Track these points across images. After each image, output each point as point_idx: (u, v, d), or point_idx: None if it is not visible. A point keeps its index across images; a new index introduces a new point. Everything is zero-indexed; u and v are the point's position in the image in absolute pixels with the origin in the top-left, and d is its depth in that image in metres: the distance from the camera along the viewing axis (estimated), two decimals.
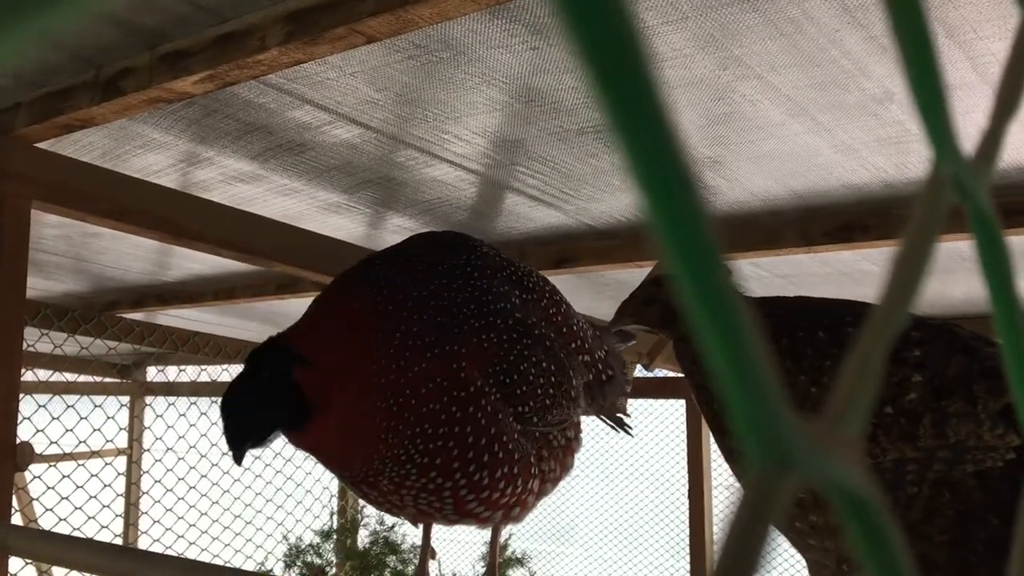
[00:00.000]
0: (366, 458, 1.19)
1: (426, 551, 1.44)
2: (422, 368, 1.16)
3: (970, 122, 1.61)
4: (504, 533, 5.24)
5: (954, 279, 2.82)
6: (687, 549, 3.73)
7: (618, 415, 1.55)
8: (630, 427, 1.58)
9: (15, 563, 3.06)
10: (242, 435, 1.16)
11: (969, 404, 1.03)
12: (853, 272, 2.86)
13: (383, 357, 1.16)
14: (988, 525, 1.00)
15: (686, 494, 3.69)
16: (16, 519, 3.42)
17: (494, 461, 1.19)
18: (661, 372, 3.48)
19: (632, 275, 2.77)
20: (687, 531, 3.67)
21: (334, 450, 1.23)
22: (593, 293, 3.38)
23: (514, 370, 1.21)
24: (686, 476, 3.70)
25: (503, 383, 1.20)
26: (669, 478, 5.08)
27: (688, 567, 3.86)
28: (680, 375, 3.86)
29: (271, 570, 4.73)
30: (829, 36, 1.40)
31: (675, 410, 4.27)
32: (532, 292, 1.32)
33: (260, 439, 1.19)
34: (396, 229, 2.55)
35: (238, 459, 1.17)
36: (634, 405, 2.96)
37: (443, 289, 1.22)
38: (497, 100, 1.66)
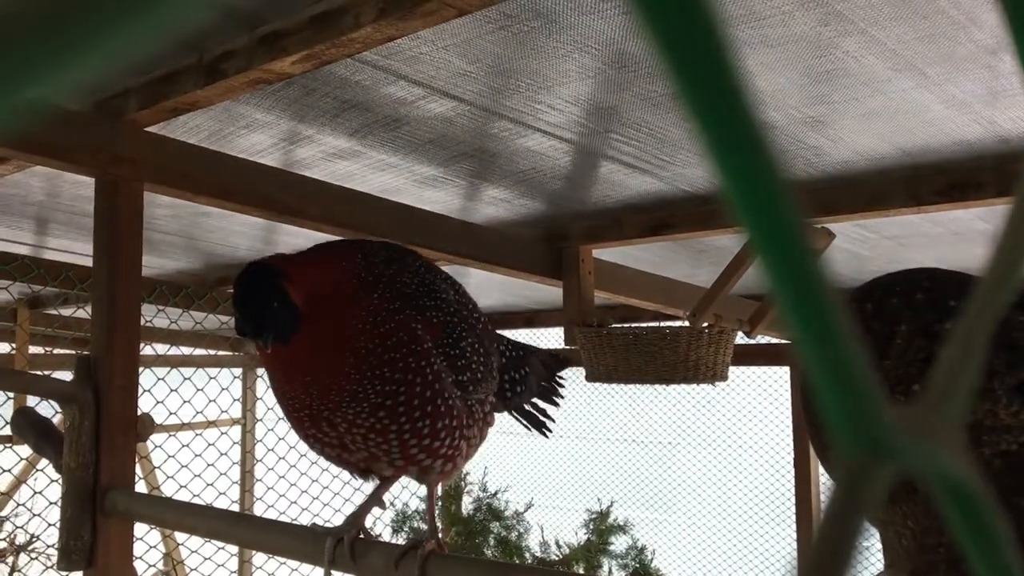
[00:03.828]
0: (327, 389, 1.40)
1: (373, 503, 1.58)
2: (391, 325, 1.41)
3: None
4: (605, 501, 5.27)
5: None
6: (793, 518, 3.67)
7: (540, 419, 1.84)
8: (549, 430, 1.85)
9: (140, 528, 3.22)
10: (262, 326, 1.37)
11: (988, 379, 0.95)
12: (967, 232, 2.74)
13: (363, 309, 1.40)
14: (1015, 508, 0.93)
15: (791, 462, 3.63)
16: (140, 487, 3.60)
17: (436, 413, 1.43)
18: (764, 339, 3.41)
19: (732, 242, 2.72)
20: (793, 499, 3.61)
21: (302, 373, 1.43)
22: (691, 260, 3.33)
23: (456, 345, 1.49)
24: (791, 443, 3.64)
25: (448, 353, 1.47)
26: (774, 446, 5.00)
27: (795, 536, 3.80)
28: (784, 341, 3.78)
29: (379, 535, 4.87)
30: None
31: (779, 377, 4.18)
32: (461, 296, 1.59)
33: (273, 332, 1.38)
34: (491, 200, 2.56)
35: (266, 343, 1.36)
36: (736, 372, 2.91)
37: (400, 274, 1.49)
38: (589, 67, 1.65)
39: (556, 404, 1.87)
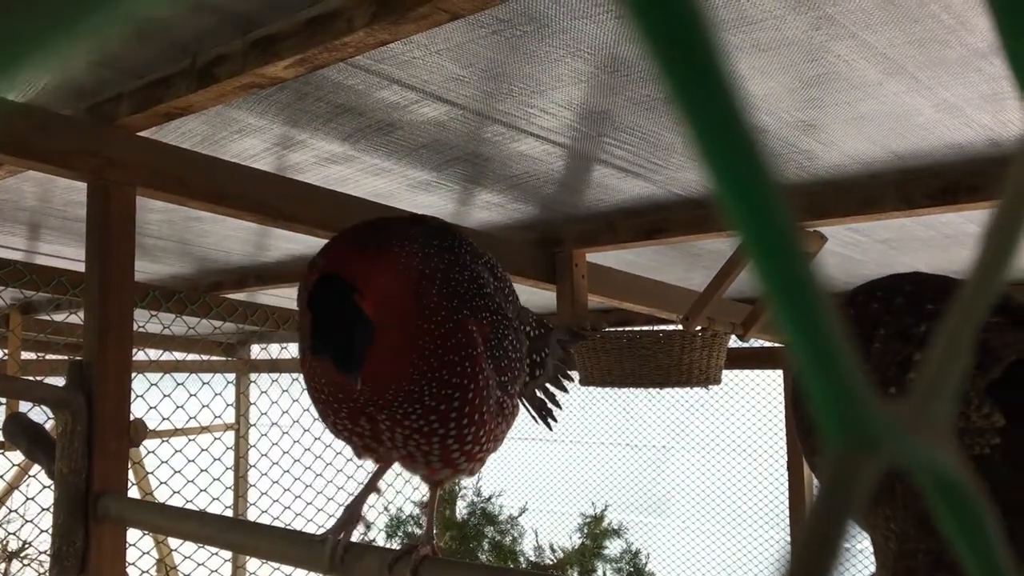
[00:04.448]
0: (382, 388, 1.33)
1: (368, 492, 1.57)
2: (451, 325, 1.35)
3: None
4: (599, 505, 5.27)
5: None
6: (787, 521, 3.68)
7: (548, 406, 1.74)
8: (554, 419, 1.75)
9: (133, 534, 3.21)
10: (351, 362, 1.26)
11: None
12: (958, 235, 2.75)
13: (425, 307, 1.34)
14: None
15: (785, 465, 3.64)
16: (133, 492, 3.58)
17: (481, 420, 1.39)
18: (757, 343, 3.42)
19: (726, 245, 2.72)
20: (786, 502, 3.62)
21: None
22: (684, 264, 3.33)
23: (500, 345, 1.44)
24: (785, 446, 3.64)
25: (494, 355, 1.42)
26: (767, 449, 5.00)
27: (788, 539, 3.81)
28: (777, 344, 3.78)
29: (373, 540, 4.86)
30: None
31: (772, 380, 4.19)
32: (500, 281, 1.53)
33: (361, 365, 1.27)
34: (485, 205, 2.56)
35: (355, 380, 1.26)
36: (730, 376, 2.91)
37: (453, 268, 1.41)
38: (582, 71, 1.65)
39: (564, 389, 1.77)
